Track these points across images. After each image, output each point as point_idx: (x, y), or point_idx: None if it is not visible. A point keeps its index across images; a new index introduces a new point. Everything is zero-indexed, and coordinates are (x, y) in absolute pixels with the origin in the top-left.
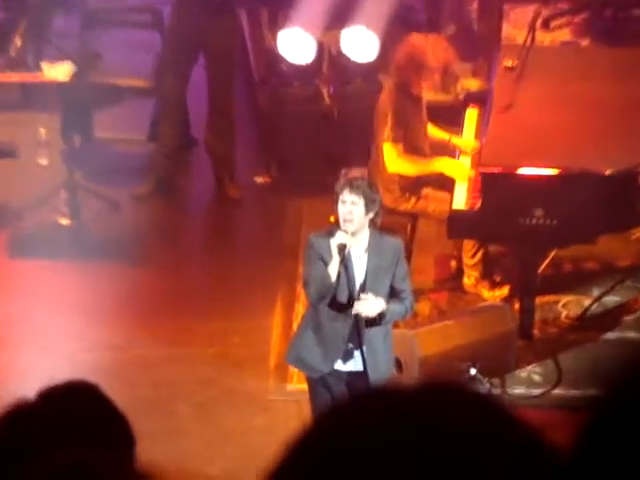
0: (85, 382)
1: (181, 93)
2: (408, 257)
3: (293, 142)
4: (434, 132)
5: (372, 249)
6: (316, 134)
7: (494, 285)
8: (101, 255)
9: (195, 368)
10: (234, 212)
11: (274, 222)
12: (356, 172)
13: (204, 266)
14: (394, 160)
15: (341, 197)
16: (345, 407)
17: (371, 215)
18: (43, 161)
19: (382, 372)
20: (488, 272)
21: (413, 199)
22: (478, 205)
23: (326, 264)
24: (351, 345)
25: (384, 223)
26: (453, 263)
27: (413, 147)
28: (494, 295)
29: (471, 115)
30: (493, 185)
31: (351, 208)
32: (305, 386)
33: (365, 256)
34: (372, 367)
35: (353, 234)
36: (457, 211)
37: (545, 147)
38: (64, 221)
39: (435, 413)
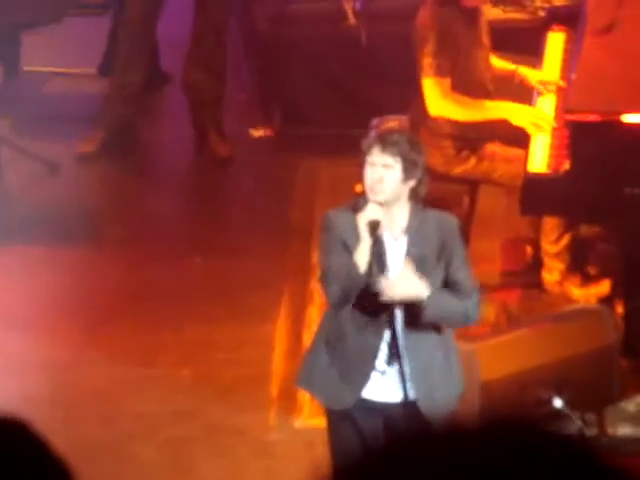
0: (10, 417)
1: (151, 8)
2: (465, 240)
3: (304, 80)
4: (496, 63)
5: (414, 230)
6: (336, 68)
7: (587, 280)
8: (33, 236)
9: (164, 396)
10: (222, 178)
11: (278, 192)
12: (392, 122)
13: (179, 253)
14: (438, 101)
15: (370, 158)
16: (372, 460)
17: (412, 183)
18: None
19: (441, 403)
20: (579, 263)
21: (473, 159)
22: (565, 168)
23: (351, 250)
24: (390, 364)
25: (432, 193)
26: (529, 250)
27: (467, 84)
28: (588, 294)
29: (555, 40)
30: (587, 140)
31: (382, 173)
32: (320, 422)
33: (404, 239)
34: (423, 395)
35: (387, 208)
36: (535, 176)
37: None
38: None
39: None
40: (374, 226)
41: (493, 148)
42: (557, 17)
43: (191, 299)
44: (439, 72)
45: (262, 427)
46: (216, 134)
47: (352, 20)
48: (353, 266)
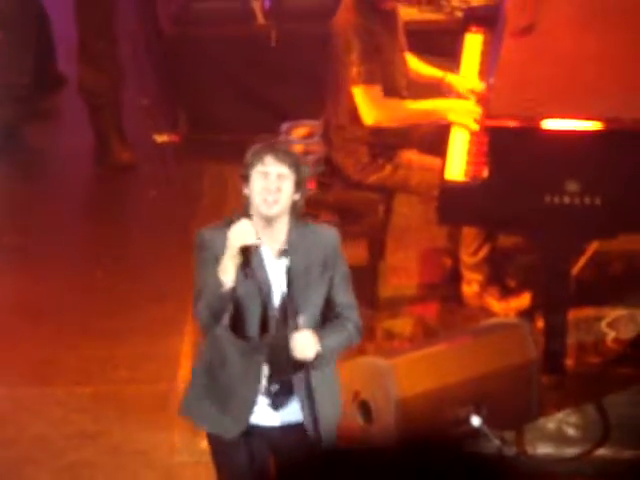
0: None
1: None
2: (381, 251)
3: (210, 83)
4: (420, 68)
5: (294, 245)
6: (245, 70)
7: (507, 293)
8: None
9: (63, 417)
10: (124, 185)
11: (183, 199)
12: (304, 127)
13: (77, 265)
14: (372, 109)
15: (262, 168)
16: None
17: (297, 197)
18: None
19: (330, 421)
20: (498, 275)
21: (388, 167)
22: (483, 175)
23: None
24: (277, 387)
25: (345, 201)
26: (447, 261)
27: (391, 88)
28: (507, 308)
29: (473, 42)
30: (506, 146)
31: (278, 184)
32: None
33: (285, 255)
34: (309, 416)
35: (269, 223)
36: (452, 184)
37: (582, 89)
38: None
39: None
40: (245, 247)
41: (409, 155)
42: (475, 18)
43: (90, 313)
44: (369, 79)
45: (167, 448)
46: (117, 139)
47: (261, 20)
48: (219, 283)
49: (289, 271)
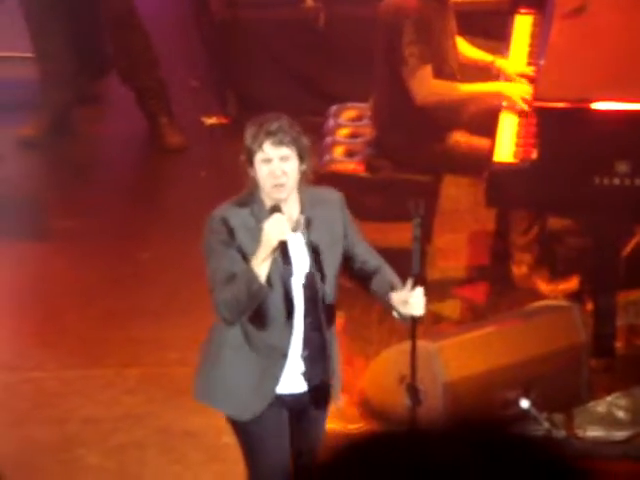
0: None
1: None
2: (428, 234)
3: (260, 66)
4: (469, 51)
5: (308, 215)
6: (294, 52)
7: (556, 275)
8: None
9: (109, 397)
10: (174, 168)
11: (233, 181)
12: (353, 110)
13: (128, 247)
14: (425, 89)
15: (263, 155)
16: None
17: (304, 167)
18: None
19: (338, 388)
20: (547, 257)
21: (437, 149)
22: (532, 157)
23: (245, 255)
24: (306, 352)
25: (394, 184)
26: (495, 243)
27: (442, 72)
28: (556, 290)
29: (522, 24)
30: (556, 127)
31: (283, 166)
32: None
33: (300, 231)
34: (328, 381)
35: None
36: (501, 166)
37: (632, 70)
38: None
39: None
40: (284, 242)
41: (458, 137)
42: None
43: (139, 295)
44: (421, 60)
45: (214, 430)
46: (166, 122)
47: (310, 2)
48: (252, 279)
49: (310, 243)
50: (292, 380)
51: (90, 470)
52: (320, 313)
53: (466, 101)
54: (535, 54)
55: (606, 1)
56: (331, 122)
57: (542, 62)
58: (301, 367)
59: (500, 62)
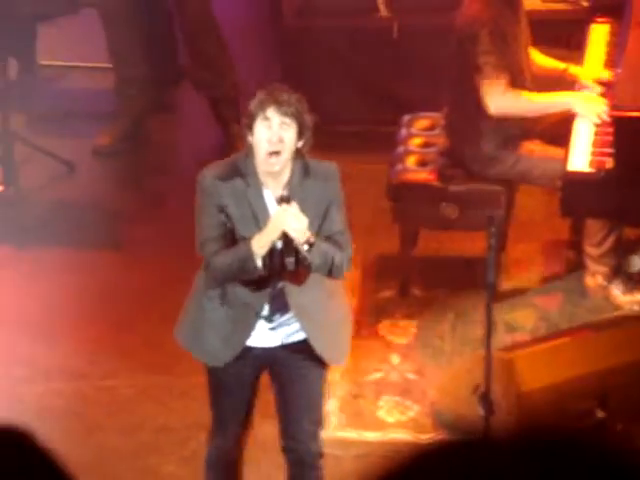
0: (14, 428)
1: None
2: (503, 243)
3: (332, 75)
4: (541, 60)
5: (296, 189)
6: (366, 63)
7: (633, 286)
8: (49, 237)
9: (182, 405)
10: None
11: None
12: (425, 120)
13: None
14: (499, 98)
15: (263, 114)
16: None
17: (300, 144)
18: None
19: (333, 343)
20: (623, 267)
21: (511, 158)
22: (608, 167)
23: (233, 223)
24: (274, 308)
25: (467, 193)
26: (570, 253)
27: (517, 82)
28: (632, 301)
29: (598, 33)
30: (632, 136)
31: (281, 133)
32: (347, 433)
33: (285, 202)
34: (313, 334)
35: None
36: (576, 175)
37: None
38: None
39: None
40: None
41: (532, 147)
42: (601, 8)
43: None
44: (496, 70)
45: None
46: (238, 130)
47: (383, 12)
48: (250, 259)
49: None
50: (263, 335)
51: (164, 478)
52: (293, 279)
53: (539, 111)
54: (612, 63)
55: None
56: (403, 132)
57: (619, 71)
58: (272, 324)
59: (574, 69)
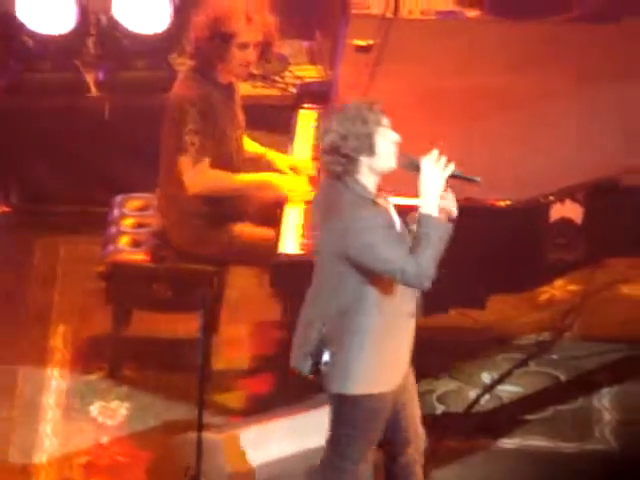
0: None
1: None
2: (214, 324)
3: (43, 155)
4: (247, 145)
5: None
6: (77, 142)
7: None
8: None
9: None
10: None
11: (14, 272)
12: (138, 200)
13: None
14: (196, 179)
15: (384, 127)
16: None
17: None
18: None
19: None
20: None
21: (223, 239)
22: None
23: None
24: None
25: (179, 274)
26: (281, 334)
27: (224, 164)
28: None
29: (306, 119)
30: None
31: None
32: None
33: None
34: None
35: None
36: (287, 257)
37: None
38: None
39: None
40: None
41: (244, 228)
42: (308, 94)
43: None
44: (200, 151)
45: None
46: None
47: (95, 92)
48: (440, 226)
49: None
50: None
51: None
52: None
53: (238, 191)
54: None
55: (391, 95)
56: (116, 212)
57: None
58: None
59: (271, 155)
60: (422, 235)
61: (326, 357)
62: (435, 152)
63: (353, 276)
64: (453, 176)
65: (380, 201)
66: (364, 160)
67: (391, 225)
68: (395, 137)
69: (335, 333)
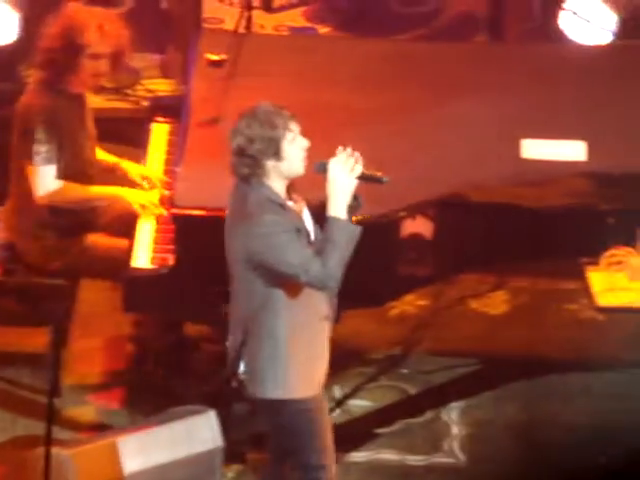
0: None
1: None
2: (64, 339)
3: None
4: (99, 155)
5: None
6: None
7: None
8: None
9: None
10: None
11: None
12: None
13: None
14: (45, 188)
15: (294, 132)
16: None
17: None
18: None
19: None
20: (187, 362)
21: (73, 251)
22: (169, 264)
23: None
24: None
25: (28, 288)
26: (132, 348)
27: (72, 173)
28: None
29: (159, 132)
30: (192, 233)
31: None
32: None
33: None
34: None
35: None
36: (138, 271)
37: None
38: None
39: None
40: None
41: (96, 239)
42: (161, 107)
43: None
44: (47, 160)
45: None
46: None
47: None
48: (347, 228)
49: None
50: None
51: None
52: None
53: (86, 203)
54: (173, 161)
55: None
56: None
57: (178, 169)
58: None
59: (125, 164)
60: (329, 237)
61: (242, 367)
62: (342, 153)
63: (261, 281)
64: (361, 177)
65: (290, 204)
66: (271, 164)
67: (297, 229)
68: (304, 143)
69: (250, 340)
